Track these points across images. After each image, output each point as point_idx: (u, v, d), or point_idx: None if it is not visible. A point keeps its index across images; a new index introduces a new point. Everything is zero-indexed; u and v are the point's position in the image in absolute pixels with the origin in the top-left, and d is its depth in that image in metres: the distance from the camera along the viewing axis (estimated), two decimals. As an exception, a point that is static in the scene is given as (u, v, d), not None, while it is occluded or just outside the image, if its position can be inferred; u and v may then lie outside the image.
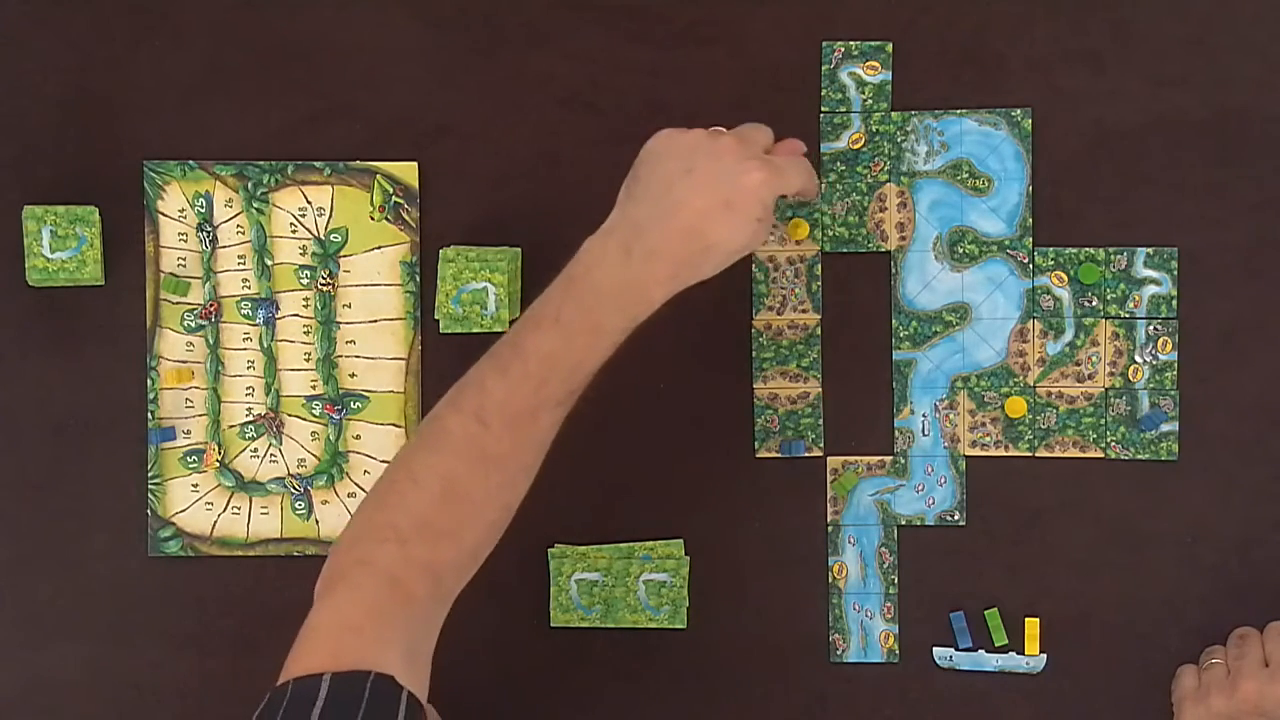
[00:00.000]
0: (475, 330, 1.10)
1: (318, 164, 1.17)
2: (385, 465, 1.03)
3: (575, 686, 1.17)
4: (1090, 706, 1.15)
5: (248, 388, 1.17)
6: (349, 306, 1.17)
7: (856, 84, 1.16)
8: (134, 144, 1.17)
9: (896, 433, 1.16)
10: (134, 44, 1.17)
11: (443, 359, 1.17)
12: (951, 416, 1.16)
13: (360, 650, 0.90)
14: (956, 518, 1.16)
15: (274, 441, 1.17)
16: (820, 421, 1.16)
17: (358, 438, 1.17)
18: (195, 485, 1.17)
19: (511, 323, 1.11)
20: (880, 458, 1.16)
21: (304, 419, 1.17)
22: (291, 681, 0.88)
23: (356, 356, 1.17)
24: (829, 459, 1.16)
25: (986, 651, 1.15)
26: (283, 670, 0.91)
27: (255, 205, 1.16)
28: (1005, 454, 1.16)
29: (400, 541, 0.94)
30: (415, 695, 0.89)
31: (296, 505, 1.17)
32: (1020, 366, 1.16)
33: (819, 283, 1.16)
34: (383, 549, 0.94)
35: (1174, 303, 1.15)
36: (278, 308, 1.17)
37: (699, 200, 0.97)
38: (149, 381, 1.16)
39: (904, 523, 1.16)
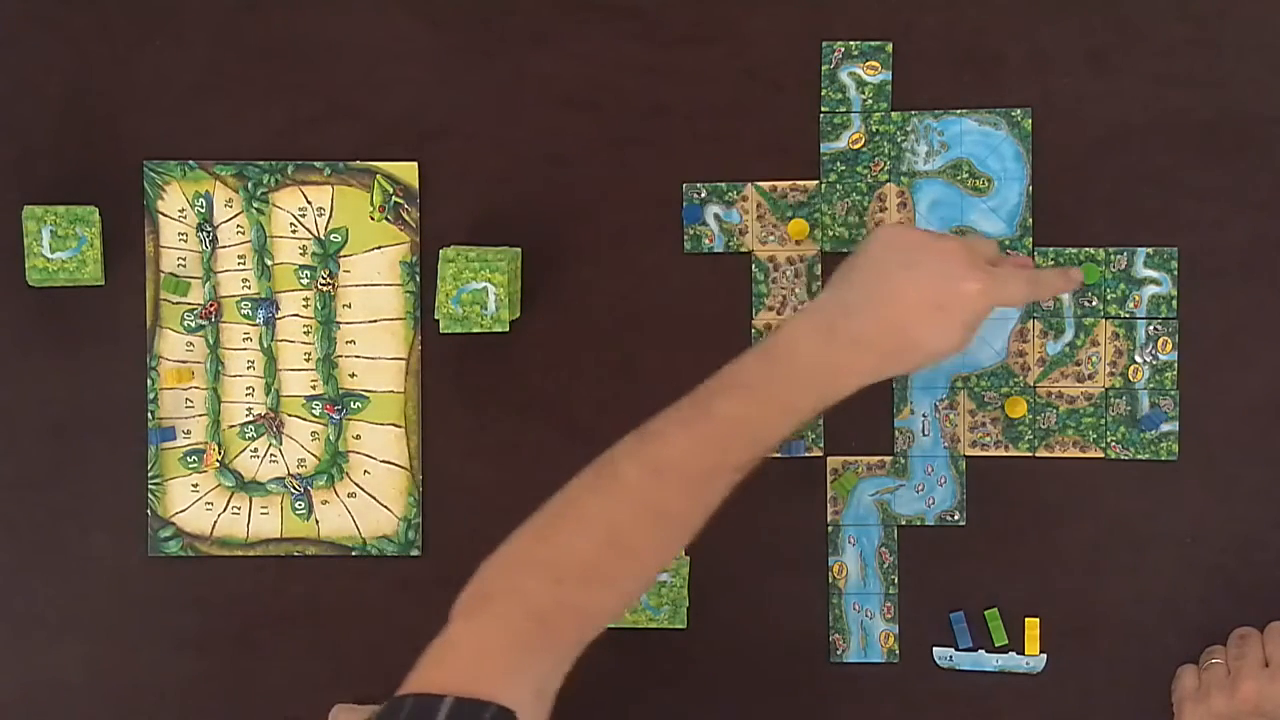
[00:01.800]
0: (475, 330, 1.10)
1: (318, 164, 1.17)
2: (549, 498, 0.99)
3: (575, 686, 1.16)
4: (1090, 706, 1.15)
5: (248, 388, 1.17)
6: (349, 306, 1.17)
7: (856, 84, 1.16)
8: (134, 144, 1.17)
9: (896, 433, 1.16)
10: (134, 44, 1.17)
11: (443, 359, 1.17)
12: (951, 416, 1.16)
13: (492, 680, 0.88)
14: (956, 518, 1.16)
15: (274, 441, 1.17)
16: (820, 421, 1.16)
17: (358, 438, 1.17)
18: (195, 485, 1.17)
19: (511, 324, 1.11)
20: (880, 458, 1.16)
21: (304, 419, 1.17)
22: (412, 696, 0.87)
23: (356, 356, 1.17)
24: (829, 459, 1.16)
25: (986, 651, 1.15)
26: (408, 678, 0.89)
27: (255, 205, 1.16)
28: (1005, 454, 1.16)
29: (557, 581, 0.92)
30: None
31: (296, 505, 1.17)
32: (1020, 366, 1.16)
33: (819, 283, 1.16)
34: (537, 584, 0.92)
35: (1174, 303, 1.15)
36: (278, 308, 1.17)
37: (913, 297, 0.96)
38: (149, 381, 1.16)
39: (904, 523, 1.16)
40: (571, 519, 0.95)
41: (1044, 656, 1.15)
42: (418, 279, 1.17)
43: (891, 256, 0.98)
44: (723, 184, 1.16)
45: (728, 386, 0.97)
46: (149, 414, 1.16)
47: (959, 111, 1.16)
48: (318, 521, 1.17)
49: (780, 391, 0.96)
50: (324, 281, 1.17)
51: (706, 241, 1.16)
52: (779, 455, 1.16)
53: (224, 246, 1.17)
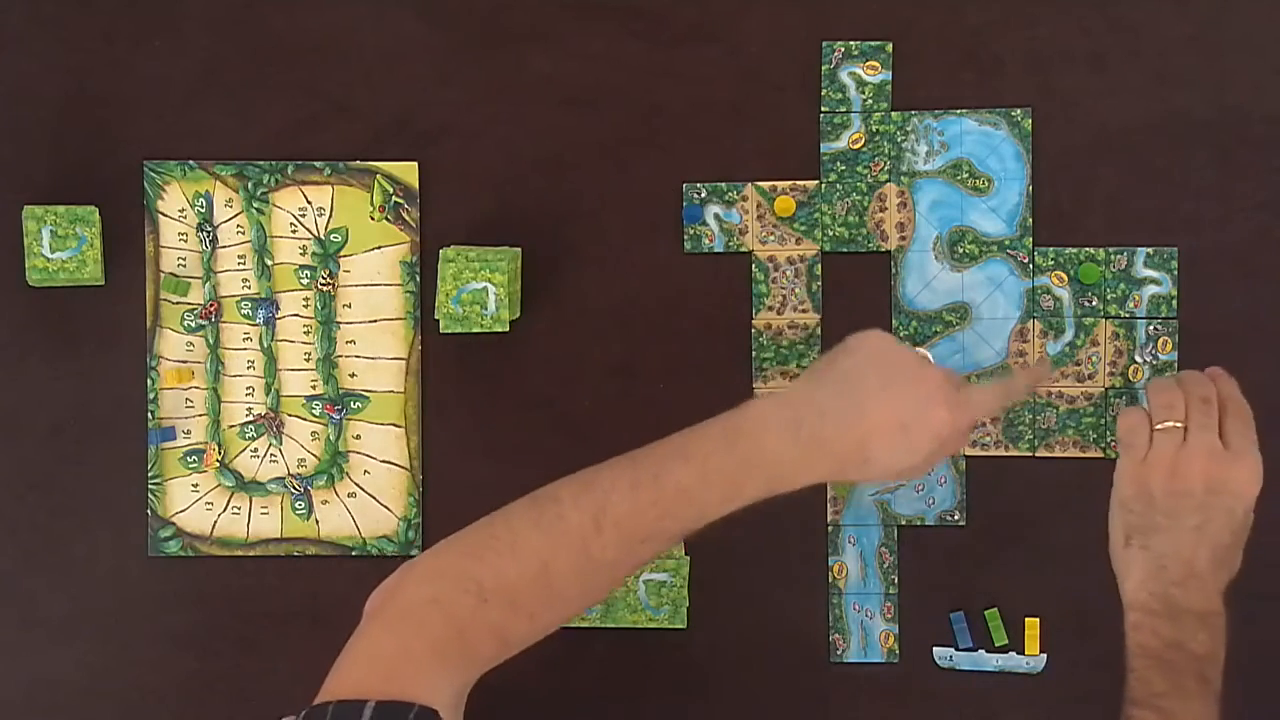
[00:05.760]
0: (475, 330, 1.10)
1: (318, 164, 1.17)
2: (485, 515, 0.99)
3: (575, 686, 1.17)
4: (1090, 706, 1.15)
5: (248, 388, 1.17)
6: (349, 306, 1.17)
7: (856, 84, 1.16)
8: (134, 144, 1.17)
9: (896, 433, 1.16)
10: (134, 44, 1.17)
11: (443, 359, 1.17)
12: (951, 416, 1.16)
13: (413, 682, 0.89)
14: (956, 518, 1.16)
15: (274, 441, 1.17)
16: (820, 421, 1.16)
17: (358, 438, 1.17)
18: (195, 485, 1.17)
19: (511, 324, 1.11)
20: (880, 458, 1.16)
21: (304, 419, 1.17)
22: (334, 704, 0.87)
23: (356, 356, 1.17)
24: (829, 459, 1.16)
25: (986, 651, 1.15)
26: (328, 680, 0.90)
27: (255, 205, 1.16)
28: (1005, 454, 1.16)
29: (481, 599, 0.93)
30: None
31: (296, 505, 1.17)
32: (1020, 366, 1.16)
33: (819, 283, 1.16)
34: (462, 599, 0.93)
35: (1174, 303, 1.15)
36: (278, 308, 1.17)
37: (881, 415, 0.97)
38: (149, 381, 1.16)
39: (904, 523, 1.16)
40: (507, 544, 0.95)
41: (1044, 656, 1.15)
42: (418, 279, 1.17)
43: (872, 371, 0.98)
44: (723, 184, 1.16)
45: (683, 455, 0.97)
46: (149, 414, 1.16)
47: (959, 111, 1.16)
48: (318, 521, 1.17)
49: (733, 472, 0.96)
50: (324, 281, 1.17)
51: (706, 241, 1.16)
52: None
53: (224, 246, 1.17)
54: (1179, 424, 1.04)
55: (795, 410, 0.98)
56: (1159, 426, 1.04)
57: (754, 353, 1.16)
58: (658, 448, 0.98)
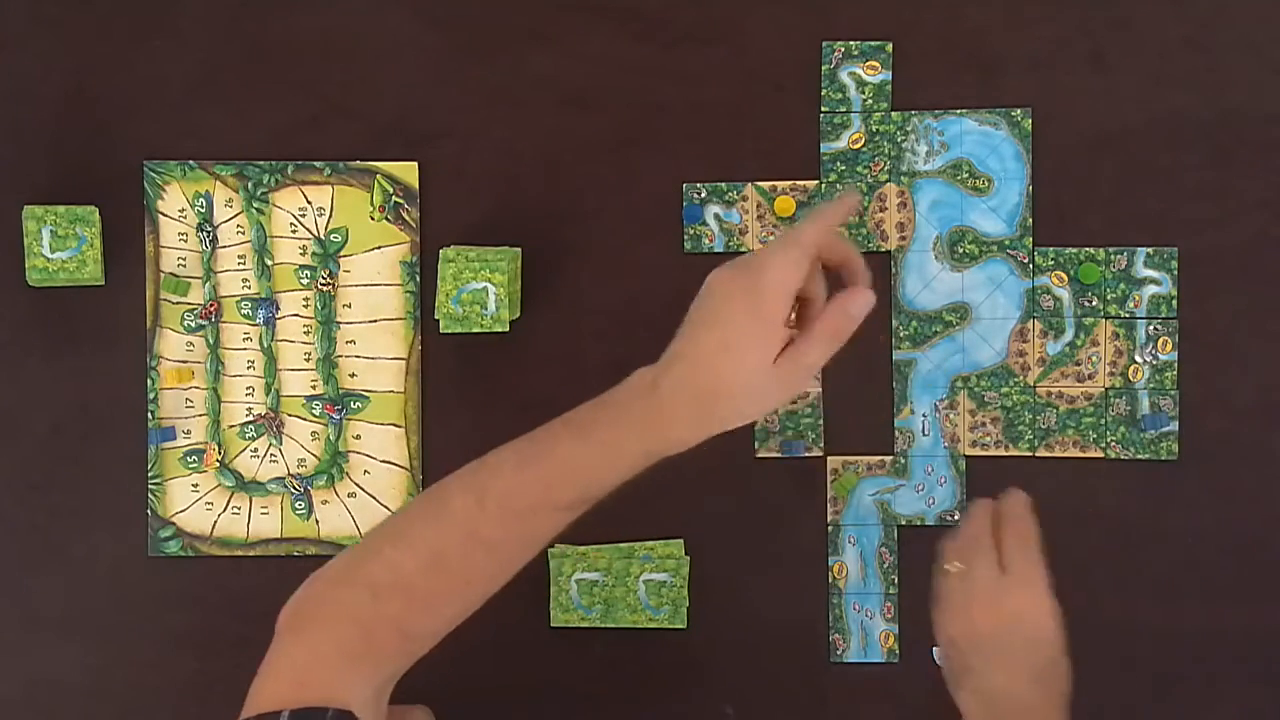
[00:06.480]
0: (475, 330, 1.10)
1: (318, 164, 1.17)
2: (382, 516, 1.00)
3: (575, 686, 1.17)
4: (1090, 706, 1.15)
5: (248, 388, 1.17)
6: (349, 306, 1.17)
7: (856, 84, 1.16)
8: (134, 144, 1.17)
9: (896, 433, 1.16)
10: (134, 44, 1.17)
11: (443, 359, 1.17)
12: (951, 416, 1.16)
13: (326, 686, 0.90)
14: (956, 518, 1.16)
15: (274, 441, 1.17)
16: (820, 421, 1.16)
17: (358, 438, 1.17)
18: (195, 485, 1.17)
19: (511, 324, 1.11)
20: (880, 458, 1.16)
21: (304, 419, 1.17)
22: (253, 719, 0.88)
23: (356, 356, 1.17)
24: (829, 459, 1.16)
25: (986, 651, 1.15)
26: (246, 700, 0.91)
27: (255, 205, 1.16)
28: (1005, 454, 1.16)
29: (374, 595, 0.94)
30: None
31: (296, 505, 1.17)
32: (1020, 366, 1.16)
33: (819, 283, 1.16)
34: (357, 597, 0.94)
35: (1174, 303, 1.15)
36: (278, 308, 1.17)
37: (707, 340, 0.94)
38: (149, 381, 1.16)
39: (904, 523, 1.16)
40: (396, 539, 0.96)
41: (1044, 656, 1.15)
42: (418, 279, 1.17)
43: (696, 305, 0.96)
44: (723, 184, 1.16)
45: (565, 424, 0.97)
46: (149, 414, 1.16)
47: (959, 111, 1.16)
48: (318, 521, 1.17)
49: (609, 434, 0.95)
50: (324, 281, 1.17)
51: (706, 241, 1.16)
52: (779, 455, 1.16)
53: (224, 246, 1.17)
54: (959, 566, 1.01)
55: (657, 366, 0.97)
56: (942, 571, 1.02)
57: (754, 353, 1.16)
58: (547, 425, 0.97)
